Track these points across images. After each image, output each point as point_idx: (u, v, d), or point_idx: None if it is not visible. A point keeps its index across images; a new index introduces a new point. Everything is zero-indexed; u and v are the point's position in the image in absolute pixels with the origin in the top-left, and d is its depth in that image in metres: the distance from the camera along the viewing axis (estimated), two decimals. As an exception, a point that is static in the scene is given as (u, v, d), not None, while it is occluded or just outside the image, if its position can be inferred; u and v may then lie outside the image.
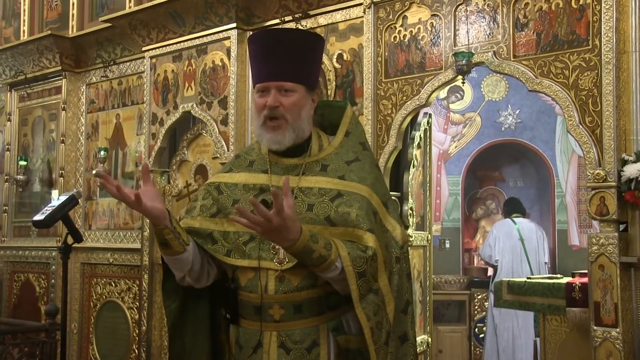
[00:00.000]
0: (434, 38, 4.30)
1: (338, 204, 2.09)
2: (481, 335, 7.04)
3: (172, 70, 5.69)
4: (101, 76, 6.40)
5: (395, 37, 4.47)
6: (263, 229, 1.88)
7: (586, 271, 3.84)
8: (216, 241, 2.14)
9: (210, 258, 2.18)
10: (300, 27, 4.89)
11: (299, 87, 2.14)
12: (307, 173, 2.16)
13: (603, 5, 3.63)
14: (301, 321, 2.07)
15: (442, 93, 6.85)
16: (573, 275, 4.54)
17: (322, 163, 2.19)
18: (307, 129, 2.19)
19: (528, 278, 4.99)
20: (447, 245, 7.61)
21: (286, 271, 2.07)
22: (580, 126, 3.68)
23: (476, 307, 7.17)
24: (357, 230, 2.05)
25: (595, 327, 3.53)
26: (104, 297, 6.31)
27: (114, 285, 6.23)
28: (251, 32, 5.27)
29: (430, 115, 5.27)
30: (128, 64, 6.25)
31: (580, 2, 3.75)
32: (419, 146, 4.93)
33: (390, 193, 2.40)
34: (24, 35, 7.09)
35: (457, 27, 4.21)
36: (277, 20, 5.06)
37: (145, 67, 5.91)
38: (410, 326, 2.17)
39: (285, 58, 2.12)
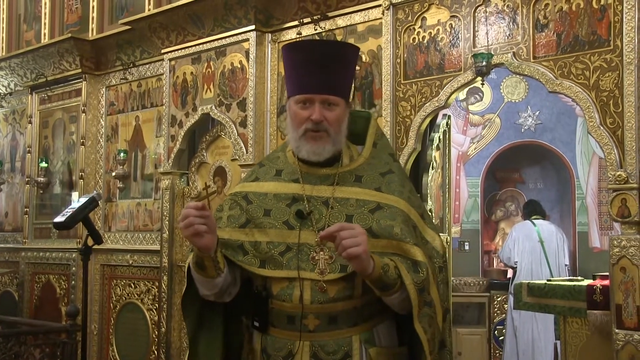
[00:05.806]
0: (453, 39, 4.28)
1: (379, 217, 2.08)
2: (501, 338, 6.99)
3: (191, 73, 5.72)
4: (121, 78, 6.45)
5: (414, 38, 4.45)
6: (364, 245, 1.89)
7: (607, 273, 3.80)
8: (247, 252, 2.12)
9: (238, 272, 2.15)
10: (319, 28, 4.89)
11: (341, 100, 2.12)
12: (341, 183, 2.15)
13: (625, 5, 3.59)
14: (335, 332, 2.06)
15: (461, 94, 6.80)
16: (594, 278, 4.49)
17: (355, 174, 2.17)
18: (344, 141, 2.18)
19: (548, 280, 4.94)
20: (467, 247, 7.57)
21: (325, 282, 2.06)
22: (601, 127, 3.65)
23: (496, 310, 7.12)
24: (402, 244, 2.06)
25: (617, 330, 3.50)
26: (124, 298, 6.35)
27: (133, 286, 6.27)
28: (270, 35, 5.29)
29: (449, 117, 5.26)
30: (147, 66, 6.29)
31: (602, 2, 3.72)
32: (438, 148, 4.92)
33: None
34: (44, 39, 7.17)
35: (476, 28, 4.18)
36: (295, 23, 5.06)
37: (164, 70, 5.94)
38: (448, 333, 2.17)
39: (330, 71, 2.10)
